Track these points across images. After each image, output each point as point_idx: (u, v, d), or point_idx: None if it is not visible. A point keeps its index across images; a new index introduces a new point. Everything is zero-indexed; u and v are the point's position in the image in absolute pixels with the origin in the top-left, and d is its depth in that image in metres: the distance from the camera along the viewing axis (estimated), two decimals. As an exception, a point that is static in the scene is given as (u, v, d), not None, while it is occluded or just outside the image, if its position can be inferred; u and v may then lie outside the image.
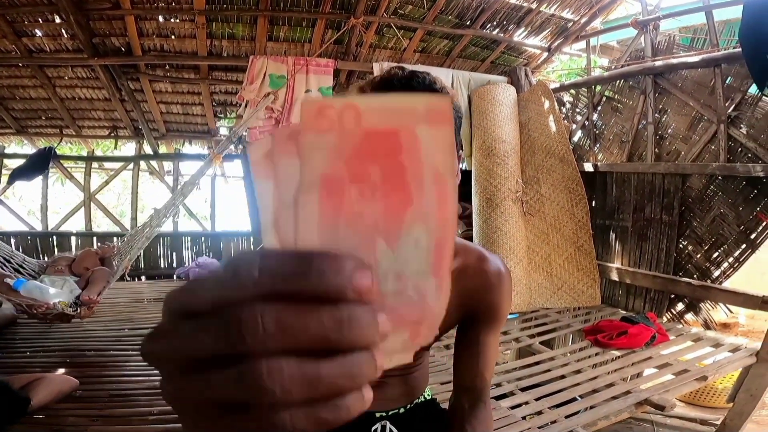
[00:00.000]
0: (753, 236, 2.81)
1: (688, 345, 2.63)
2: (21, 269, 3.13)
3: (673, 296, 3.19)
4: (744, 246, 2.85)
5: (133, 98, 4.15)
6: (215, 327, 0.19)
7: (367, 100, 0.23)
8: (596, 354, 2.52)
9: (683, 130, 3.18)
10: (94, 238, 4.84)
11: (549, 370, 2.31)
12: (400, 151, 0.22)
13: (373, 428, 1.02)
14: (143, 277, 4.77)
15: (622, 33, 4.28)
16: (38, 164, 4.57)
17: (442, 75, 3.75)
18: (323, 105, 0.22)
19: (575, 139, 4.01)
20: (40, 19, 3.37)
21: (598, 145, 3.81)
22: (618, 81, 3.65)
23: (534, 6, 3.72)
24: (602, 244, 3.67)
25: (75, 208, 5.06)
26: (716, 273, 2.99)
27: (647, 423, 2.63)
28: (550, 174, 3.63)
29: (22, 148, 4.89)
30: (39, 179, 4.83)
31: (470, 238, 3.67)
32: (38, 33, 3.50)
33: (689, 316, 3.12)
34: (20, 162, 4.68)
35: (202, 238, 5.10)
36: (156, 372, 1.75)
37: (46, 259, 3.46)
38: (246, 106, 3.47)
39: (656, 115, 3.33)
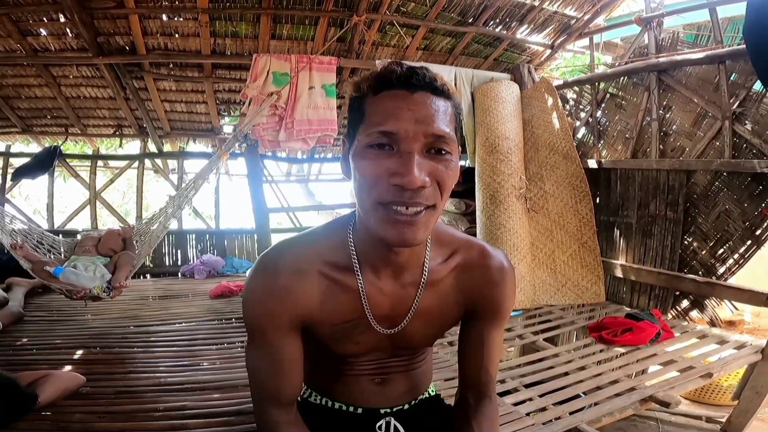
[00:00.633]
0: (758, 232, 2.79)
1: (693, 342, 2.62)
2: (52, 249, 3.36)
3: (678, 293, 3.18)
4: (749, 242, 2.84)
5: (137, 97, 4.16)
6: None
7: None
8: (600, 351, 2.52)
9: (688, 126, 3.17)
10: (100, 237, 4.87)
11: (552, 367, 2.31)
12: None
13: (378, 424, 1.02)
14: (148, 275, 4.79)
15: (626, 30, 4.26)
16: (44, 162, 4.59)
17: (444, 72, 3.75)
18: None
19: (579, 135, 4.00)
20: (44, 18, 3.38)
21: (602, 142, 3.80)
22: (622, 78, 3.63)
23: (536, 3, 3.71)
24: (606, 241, 3.66)
25: (81, 206, 5.08)
26: (721, 269, 2.98)
27: (652, 420, 2.63)
28: (553, 171, 3.63)
29: (27, 146, 4.92)
30: (45, 178, 4.86)
31: (473, 235, 3.66)
32: (43, 32, 3.51)
33: (694, 313, 3.12)
34: (25, 161, 4.71)
35: (207, 236, 5.12)
36: (160, 370, 1.79)
37: (74, 239, 3.55)
38: (249, 104, 3.48)
39: (660, 111, 3.32)
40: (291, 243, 0.92)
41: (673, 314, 3.18)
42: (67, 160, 4.96)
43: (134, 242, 3.39)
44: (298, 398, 1.10)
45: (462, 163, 4.98)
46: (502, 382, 2.15)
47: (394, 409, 1.05)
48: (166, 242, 4.92)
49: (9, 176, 4.79)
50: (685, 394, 2.93)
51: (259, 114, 3.31)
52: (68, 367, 2.24)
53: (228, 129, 4.80)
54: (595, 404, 1.93)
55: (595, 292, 3.52)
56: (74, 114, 4.46)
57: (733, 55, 2.85)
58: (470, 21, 3.80)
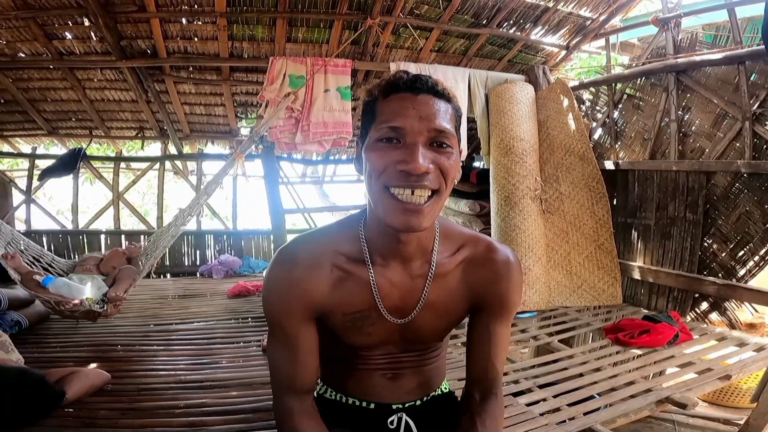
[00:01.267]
0: (779, 234, 2.75)
1: (712, 344, 2.59)
2: (50, 268, 3.21)
3: (697, 295, 3.13)
4: (770, 244, 2.79)
5: (158, 99, 4.25)
6: None
7: None
8: (617, 352, 2.50)
9: (707, 127, 3.13)
10: (123, 237, 4.99)
11: (567, 368, 2.31)
12: None
13: (390, 420, 1.05)
14: (168, 275, 4.90)
15: (643, 30, 4.22)
16: (68, 164, 4.73)
17: (458, 74, 3.75)
18: None
19: (595, 137, 3.97)
20: (69, 22, 3.48)
21: (619, 143, 3.77)
22: (639, 78, 3.60)
23: (551, 4, 3.69)
24: (624, 243, 3.63)
25: (104, 207, 5.21)
26: (742, 272, 2.93)
27: (668, 422, 2.60)
28: (569, 172, 3.60)
29: (51, 149, 5.07)
30: (69, 179, 5.00)
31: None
32: (68, 35, 3.62)
33: (714, 316, 3.07)
34: (51, 162, 4.85)
35: (225, 237, 5.21)
36: (180, 368, 1.83)
37: (76, 258, 3.54)
38: (266, 106, 3.53)
39: (679, 112, 3.28)
40: (306, 237, 0.99)
41: (692, 317, 3.14)
42: (91, 162, 5.08)
43: (140, 262, 3.27)
44: (314, 394, 1.14)
45: (477, 164, 4.98)
46: (516, 382, 2.16)
47: (406, 405, 1.07)
48: (185, 243, 5.03)
49: (35, 177, 4.95)
50: (703, 397, 2.89)
51: (275, 116, 3.36)
52: (93, 365, 2.30)
53: (245, 131, 4.87)
54: (610, 405, 1.92)
55: (612, 294, 3.49)
56: (98, 117, 4.57)
57: (752, 55, 2.81)
58: (484, 23, 3.80)
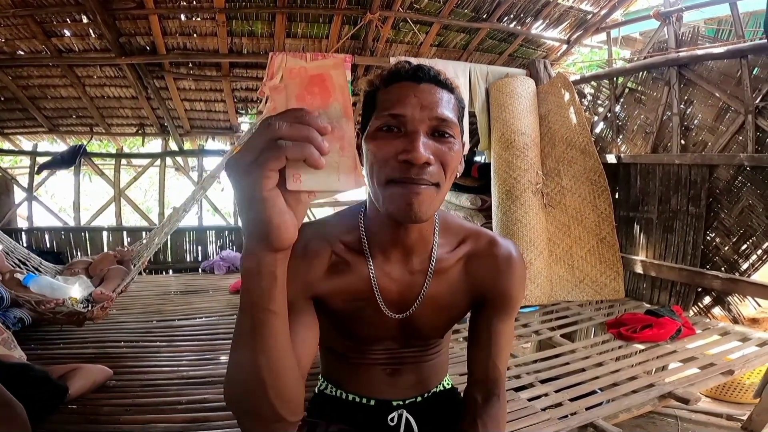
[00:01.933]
0: (783, 228, 2.74)
1: (715, 339, 2.58)
2: (37, 272, 3.13)
3: (699, 290, 3.13)
4: (773, 238, 2.78)
5: (158, 96, 4.25)
6: (269, 127, 0.49)
7: (309, 63, 0.53)
8: (619, 347, 2.50)
9: (710, 121, 3.11)
10: (125, 233, 4.99)
11: (569, 363, 2.31)
12: (325, 80, 0.53)
13: (390, 416, 1.04)
14: (170, 271, 4.91)
15: (644, 24, 4.19)
16: (67, 159, 4.74)
17: (459, 68, 3.73)
18: (292, 66, 0.53)
19: (597, 130, 3.95)
20: (68, 19, 3.48)
21: (621, 137, 3.75)
22: (641, 72, 3.58)
23: (551, -2, 3.67)
24: (626, 237, 3.62)
25: (106, 203, 5.21)
26: (745, 266, 2.92)
27: (671, 417, 2.60)
28: (571, 166, 3.59)
29: (52, 145, 5.07)
30: (71, 177, 5.00)
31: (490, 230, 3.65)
32: (67, 33, 3.61)
33: (717, 310, 3.06)
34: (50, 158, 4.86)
35: (226, 232, 5.22)
36: (183, 364, 1.82)
37: (78, 255, 3.52)
38: (266, 102, 3.52)
39: (681, 106, 3.26)
40: (306, 225, 0.96)
41: (695, 311, 3.13)
42: (92, 159, 5.09)
43: (131, 265, 3.19)
44: (315, 390, 1.14)
45: (479, 158, 4.97)
46: (518, 377, 2.16)
47: (407, 402, 1.07)
48: (187, 239, 5.03)
49: (35, 175, 4.95)
50: (706, 392, 2.88)
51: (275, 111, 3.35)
52: (96, 362, 2.30)
53: (245, 127, 4.86)
54: (612, 400, 1.92)
55: (614, 288, 3.48)
56: (98, 113, 4.57)
57: (755, 49, 2.80)
58: (484, 17, 3.78)
